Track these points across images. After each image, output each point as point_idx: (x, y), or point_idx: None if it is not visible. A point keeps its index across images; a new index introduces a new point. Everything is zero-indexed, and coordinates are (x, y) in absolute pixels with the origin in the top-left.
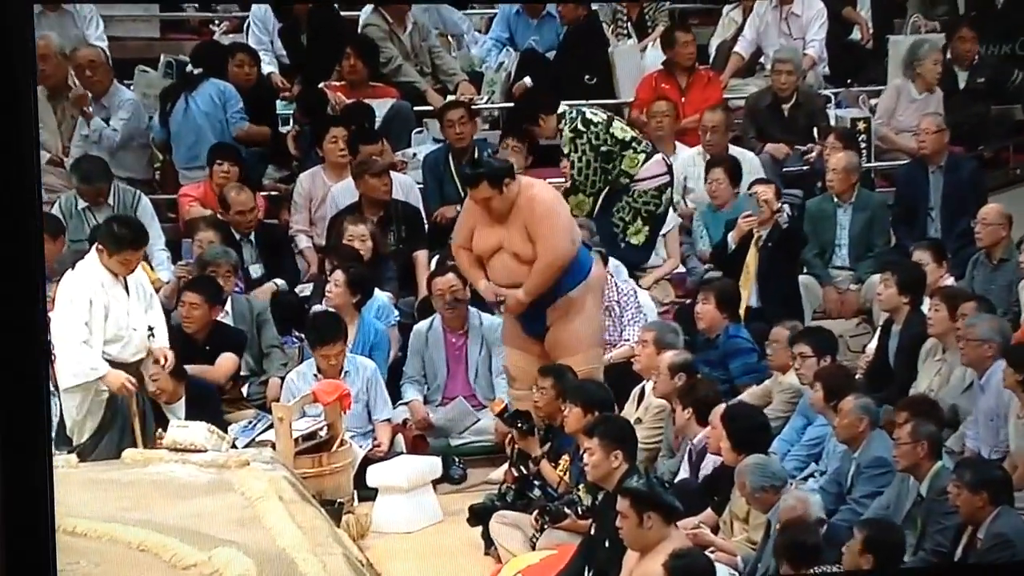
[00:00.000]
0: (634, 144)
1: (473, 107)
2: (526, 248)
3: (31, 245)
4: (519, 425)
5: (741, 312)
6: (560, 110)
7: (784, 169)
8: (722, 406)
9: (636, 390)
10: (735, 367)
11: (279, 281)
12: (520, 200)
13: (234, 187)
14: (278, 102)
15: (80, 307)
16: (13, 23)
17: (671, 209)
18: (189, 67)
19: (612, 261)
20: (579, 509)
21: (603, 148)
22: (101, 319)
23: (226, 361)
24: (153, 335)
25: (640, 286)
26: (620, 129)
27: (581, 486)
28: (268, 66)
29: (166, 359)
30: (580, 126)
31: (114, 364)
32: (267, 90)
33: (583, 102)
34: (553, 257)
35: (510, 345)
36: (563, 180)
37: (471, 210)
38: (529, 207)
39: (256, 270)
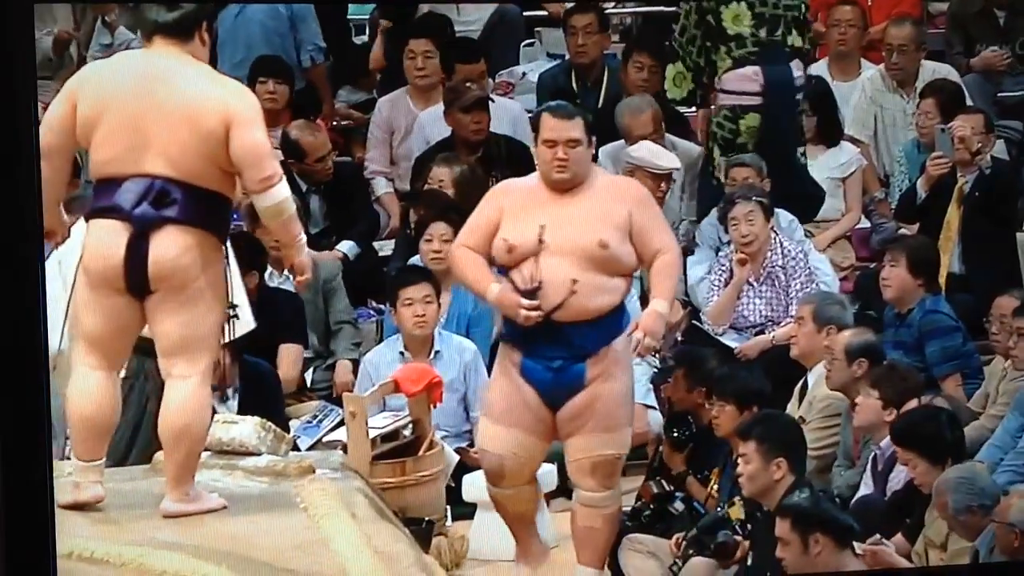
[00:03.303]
0: (733, 44)
1: (606, 12)
2: (603, 235)
3: (31, 245)
4: (675, 433)
5: (941, 281)
6: None
7: (999, 94)
8: (913, 402)
9: (800, 385)
10: (932, 352)
11: (346, 246)
12: (598, 180)
13: (304, 126)
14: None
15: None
16: (13, 23)
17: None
18: None
19: (782, 215)
20: (732, 532)
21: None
22: None
23: (288, 354)
24: (234, 315)
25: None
26: (734, 18)
27: (737, 499)
28: None
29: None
30: None
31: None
32: None
33: None
34: (679, 251)
35: (510, 424)
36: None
37: (502, 193)
38: (620, 189)
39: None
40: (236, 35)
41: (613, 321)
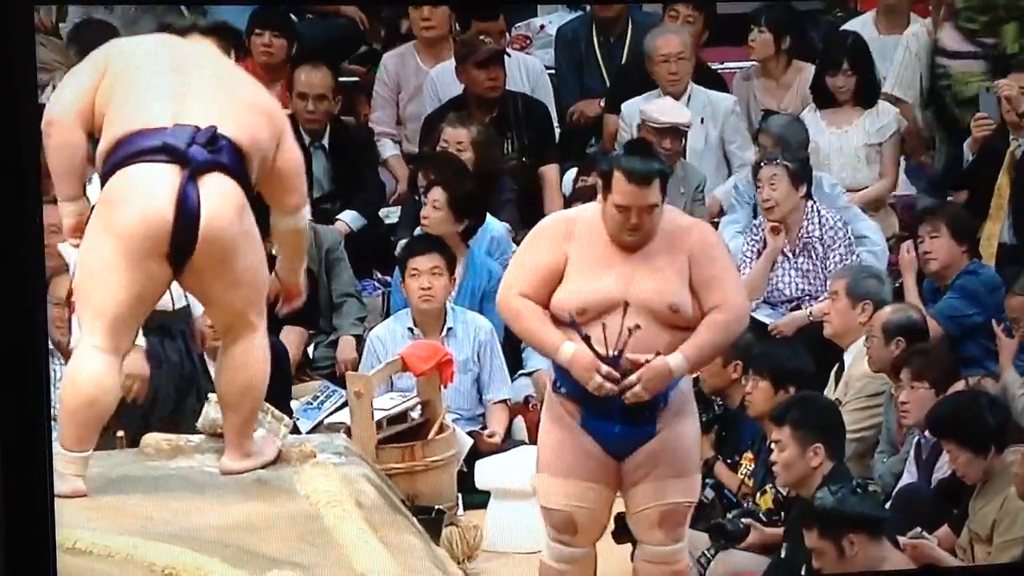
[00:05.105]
0: None
1: None
2: (673, 298)
3: (31, 245)
4: None
5: (992, 251)
6: None
7: None
8: (960, 383)
9: (836, 367)
10: (946, 304)
11: (348, 216)
12: (662, 224)
13: (310, 66)
14: None
15: None
16: (13, 23)
17: None
18: None
19: (825, 179)
20: (760, 518)
21: None
22: None
23: (292, 336)
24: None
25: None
26: None
27: (769, 487)
28: None
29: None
30: None
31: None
32: None
33: None
34: (740, 312)
35: (573, 476)
36: (748, 64)
37: (565, 237)
38: (682, 236)
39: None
40: None
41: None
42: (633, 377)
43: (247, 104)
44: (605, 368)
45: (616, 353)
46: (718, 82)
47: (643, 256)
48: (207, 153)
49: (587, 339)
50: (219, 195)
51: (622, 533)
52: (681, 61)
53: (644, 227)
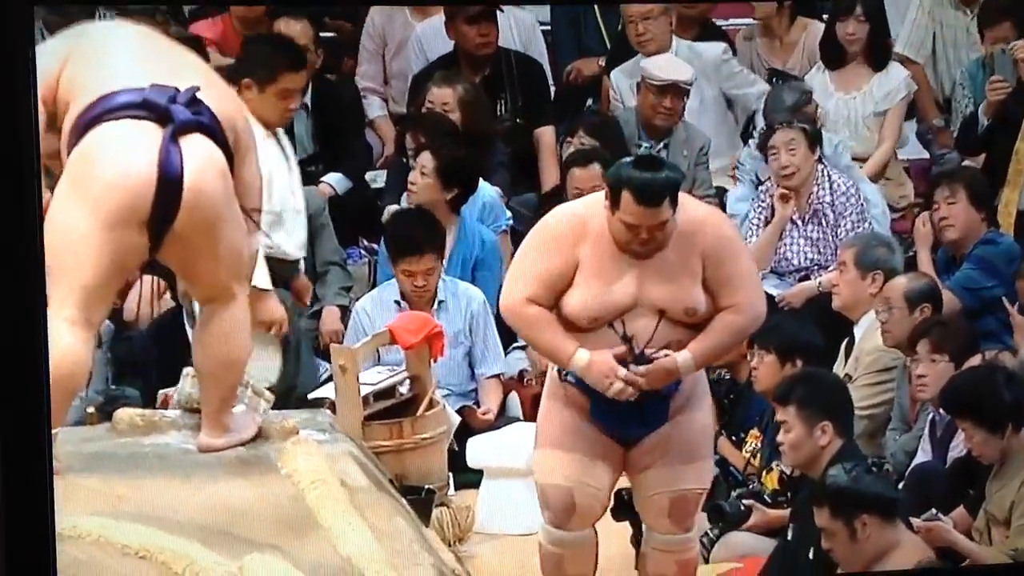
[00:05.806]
0: None
1: None
2: (688, 302)
3: (31, 245)
4: None
5: (1010, 220)
6: None
7: None
8: (976, 358)
9: (846, 342)
10: (963, 275)
11: (333, 179)
12: (679, 218)
13: (287, 16)
14: None
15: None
16: (13, 24)
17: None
18: None
19: (827, 139)
20: (765, 499)
21: None
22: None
23: None
24: None
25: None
26: None
27: (775, 464)
28: None
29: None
30: None
31: (273, 261)
32: None
33: None
34: (755, 312)
35: (577, 451)
36: (751, 22)
37: (576, 239)
38: (700, 231)
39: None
40: None
41: None
42: (640, 371)
43: (223, 89)
44: (623, 371)
45: (641, 352)
46: (720, 35)
47: (655, 258)
48: (189, 113)
49: (628, 339)
50: (203, 157)
51: (621, 511)
52: (647, 22)
53: (655, 241)
